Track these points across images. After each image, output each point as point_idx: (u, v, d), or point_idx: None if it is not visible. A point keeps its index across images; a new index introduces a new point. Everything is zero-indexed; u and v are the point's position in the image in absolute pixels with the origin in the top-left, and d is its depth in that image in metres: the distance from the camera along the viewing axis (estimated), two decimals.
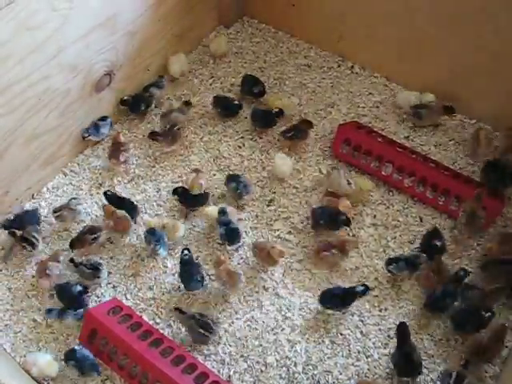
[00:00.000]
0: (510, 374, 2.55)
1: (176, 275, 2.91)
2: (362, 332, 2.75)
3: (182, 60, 3.76)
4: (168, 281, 2.94)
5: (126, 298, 2.90)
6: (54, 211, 3.11)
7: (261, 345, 2.73)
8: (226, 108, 3.56)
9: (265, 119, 3.48)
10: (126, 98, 3.56)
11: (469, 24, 3.17)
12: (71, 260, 2.92)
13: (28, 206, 3.22)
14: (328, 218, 2.99)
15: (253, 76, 3.68)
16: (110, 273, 2.97)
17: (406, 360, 2.55)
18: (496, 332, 2.61)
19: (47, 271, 2.88)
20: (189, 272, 2.84)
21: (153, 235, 2.94)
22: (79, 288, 2.84)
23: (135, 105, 3.57)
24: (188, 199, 3.16)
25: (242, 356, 2.70)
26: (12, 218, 3.08)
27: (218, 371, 2.65)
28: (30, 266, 3.01)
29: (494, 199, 3.04)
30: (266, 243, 2.94)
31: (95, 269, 2.89)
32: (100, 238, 3.02)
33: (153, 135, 3.44)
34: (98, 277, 2.90)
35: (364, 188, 3.16)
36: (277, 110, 3.45)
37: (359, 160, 3.31)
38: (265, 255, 2.88)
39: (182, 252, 2.87)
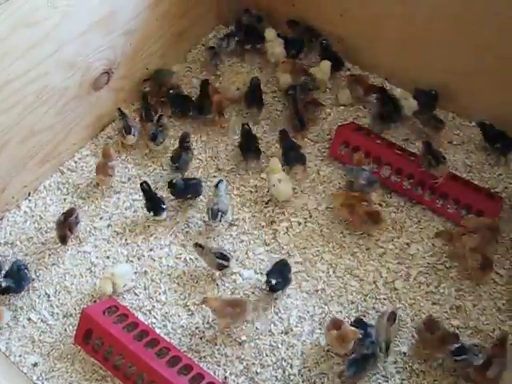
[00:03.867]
0: None
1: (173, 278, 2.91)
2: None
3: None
4: (164, 281, 2.94)
5: (123, 297, 2.89)
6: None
7: (256, 346, 2.72)
8: None
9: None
10: None
11: (471, 24, 3.16)
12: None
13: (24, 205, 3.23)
14: None
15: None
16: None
17: None
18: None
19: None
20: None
21: None
22: None
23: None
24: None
25: (237, 357, 2.69)
26: None
27: (214, 372, 2.64)
28: None
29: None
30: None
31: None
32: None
33: None
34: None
35: None
36: None
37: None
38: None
39: None
